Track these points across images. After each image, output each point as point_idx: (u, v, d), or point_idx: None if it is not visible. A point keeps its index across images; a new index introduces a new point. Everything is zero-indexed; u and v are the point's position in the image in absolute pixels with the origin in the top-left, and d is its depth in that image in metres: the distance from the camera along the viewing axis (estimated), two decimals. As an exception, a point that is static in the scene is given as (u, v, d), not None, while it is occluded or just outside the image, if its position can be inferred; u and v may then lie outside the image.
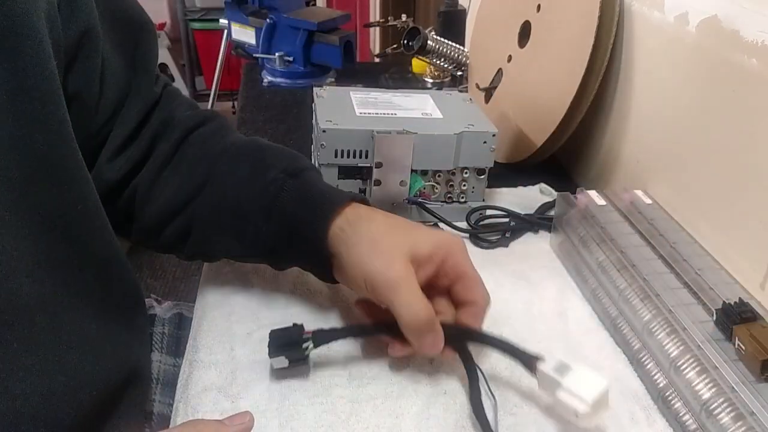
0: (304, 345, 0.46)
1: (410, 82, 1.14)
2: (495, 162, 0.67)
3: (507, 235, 0.67)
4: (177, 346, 0.62)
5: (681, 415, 0.45)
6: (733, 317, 0.46)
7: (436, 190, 0.68)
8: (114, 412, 0.46)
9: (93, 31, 0.47)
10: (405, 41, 0.99)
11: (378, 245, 0.47)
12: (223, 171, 0.54)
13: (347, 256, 0.48)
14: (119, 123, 0.52)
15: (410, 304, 0.45)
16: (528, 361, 0.45)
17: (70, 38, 0.44)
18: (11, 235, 0.37)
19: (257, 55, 1.19)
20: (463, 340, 0.48)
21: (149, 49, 0.55)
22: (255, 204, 0.51)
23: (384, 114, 0.68)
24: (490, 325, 0.54)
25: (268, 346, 0.46)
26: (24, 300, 0.38)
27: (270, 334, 0.47)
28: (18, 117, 0.37)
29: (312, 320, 0.54)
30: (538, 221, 0.69)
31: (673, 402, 0.46)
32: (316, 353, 0.49)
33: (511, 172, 0.81)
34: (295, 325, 0.47)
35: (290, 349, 0.46)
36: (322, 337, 0.47)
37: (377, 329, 0.50)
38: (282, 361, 0.47)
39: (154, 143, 0.55)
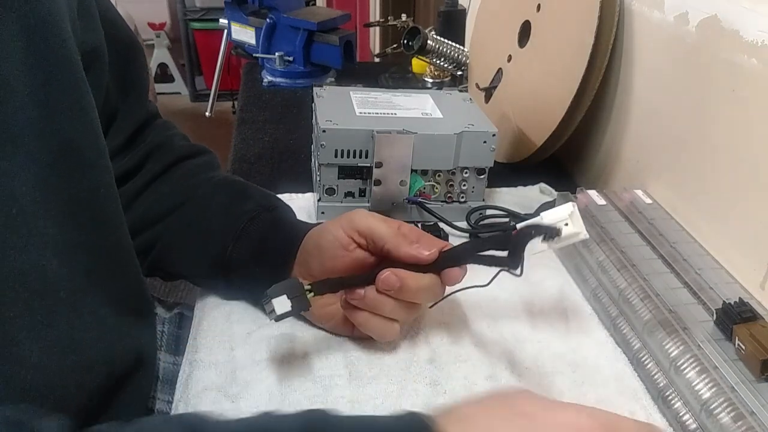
0: (306, 287, 0.46)
1: (410, 82, 1.14)
2: (495, 162, 0.67)
3: (507, 234, 0.67)
4: (177, 345, 0.62)
5: (681, 415, 0.45)
6: (733, 317, 0.46)
7: (436, 190, 0.68)
8: (118, 397, 0.48)
9: (101, 49, 0.50)
10: (405, 41, 0.99)
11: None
12: (201, 196, 0.58)
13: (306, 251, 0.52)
14: (110, 138, 0.55)
15: (379, 218, 0.49)
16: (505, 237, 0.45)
17: (85, 49, 0.46)
18: (42, 216, 0.39)
19: (257, 55, 1.19)
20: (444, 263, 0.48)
21: (139, 69, 0.58)
22: (226, 227, 0.55)
23: (384, 114, 0.68)
24: (490, 325, 0.54)
25: (268, 293, 0.45)
26: (51, 277, 0.40)
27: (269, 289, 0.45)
28: (44, 104, 0.39)
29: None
30: (538, 221, 0.68)
31: (673, 402, 0.46)
32: (315, 349, 0.49)
33: (511, 172, 0.81)
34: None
35: (292, 290, 0.45)
36: (321, 286, 0.47)
37: (371, 274, 0.47)
38: (284, 302, 0.44)
39: (148, 157, 0.59)
